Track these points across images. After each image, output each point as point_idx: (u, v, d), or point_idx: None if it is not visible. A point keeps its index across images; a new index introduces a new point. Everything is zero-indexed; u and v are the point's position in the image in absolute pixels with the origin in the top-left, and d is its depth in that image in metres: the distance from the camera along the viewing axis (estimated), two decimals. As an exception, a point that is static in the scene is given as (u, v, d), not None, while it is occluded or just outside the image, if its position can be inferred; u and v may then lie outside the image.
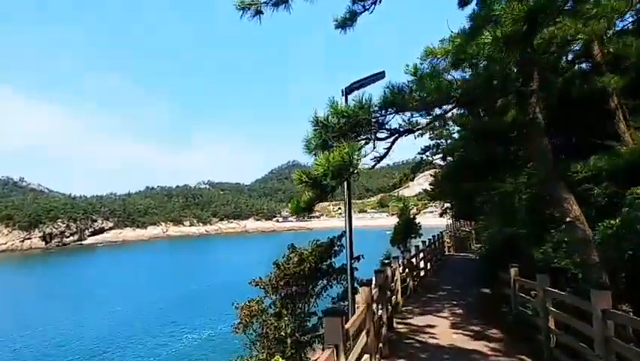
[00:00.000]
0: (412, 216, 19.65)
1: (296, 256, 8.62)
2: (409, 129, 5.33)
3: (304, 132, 4.91)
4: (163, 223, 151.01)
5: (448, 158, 19.61)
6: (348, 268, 6.65)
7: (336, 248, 9.17)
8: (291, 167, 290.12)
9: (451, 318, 10.17)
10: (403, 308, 11.05)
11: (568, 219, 5.12)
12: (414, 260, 14.56)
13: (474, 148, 12.96)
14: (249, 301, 8.29)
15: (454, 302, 11.90)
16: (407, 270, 12.69)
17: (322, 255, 8.70)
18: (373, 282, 6.75)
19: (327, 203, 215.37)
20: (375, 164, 5.24)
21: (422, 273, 16.16)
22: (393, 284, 9.92)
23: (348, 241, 6.52)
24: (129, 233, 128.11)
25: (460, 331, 9.07)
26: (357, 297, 6.42)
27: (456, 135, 21.11)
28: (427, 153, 30.92)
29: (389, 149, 5.34)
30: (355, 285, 7.46)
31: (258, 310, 8.08)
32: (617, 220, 6.01)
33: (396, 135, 5.31)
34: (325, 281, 8.89)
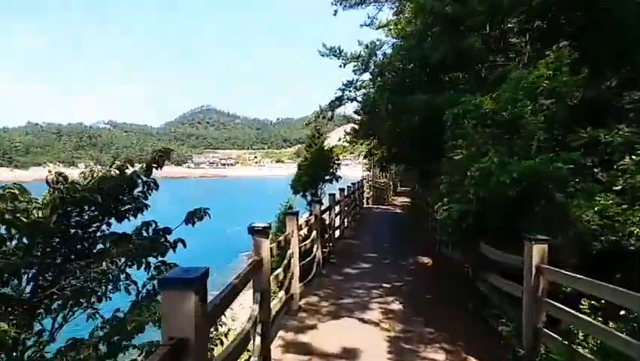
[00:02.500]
0: (325, 148, 13.92)
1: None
2: None
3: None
4: (50, 164, 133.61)
5: (386, 75, 13.76)
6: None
7: (138, 193, 3.57)
8: (205, 111, 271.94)
9: (384, 324, 5.49)
10: (303, 303, 6.12)
11: None
12: (327, 216, 9.67)
13: (435, 41, 8.05)
14: None
15: (387, 285, 7.33)
16: (315, 232, 7.72)
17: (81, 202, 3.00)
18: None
19: (243, 151, 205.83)
20: None
21: (337, 233, 11.51)
22: (280, 270, 4.83)
23: None
24: (5, 174, 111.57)
25: (409, 366, 4.41)
26: None
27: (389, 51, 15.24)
28: (350, 88, 25.72)
29: None
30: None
31: None
32: None
33: None
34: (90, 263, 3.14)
